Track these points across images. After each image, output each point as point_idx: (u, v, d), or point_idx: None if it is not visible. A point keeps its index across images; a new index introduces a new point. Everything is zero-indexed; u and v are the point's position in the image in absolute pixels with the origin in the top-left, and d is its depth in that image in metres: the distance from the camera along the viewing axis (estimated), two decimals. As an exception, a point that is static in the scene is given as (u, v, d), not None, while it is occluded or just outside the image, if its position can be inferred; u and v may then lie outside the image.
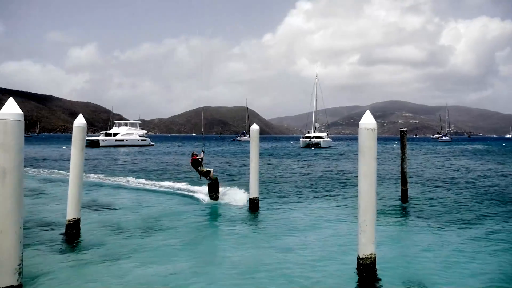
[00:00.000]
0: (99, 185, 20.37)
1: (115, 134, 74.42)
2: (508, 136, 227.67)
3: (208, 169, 16.07)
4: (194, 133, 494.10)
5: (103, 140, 71.20)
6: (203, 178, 16.13)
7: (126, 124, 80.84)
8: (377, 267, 7.33)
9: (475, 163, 39.50)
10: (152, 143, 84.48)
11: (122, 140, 74.72)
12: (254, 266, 8.12)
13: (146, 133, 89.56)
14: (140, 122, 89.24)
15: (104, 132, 77.84)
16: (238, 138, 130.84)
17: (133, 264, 8.17)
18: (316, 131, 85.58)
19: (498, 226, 11.79)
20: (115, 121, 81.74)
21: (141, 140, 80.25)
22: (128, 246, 9.49)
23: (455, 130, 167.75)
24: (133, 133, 78.65)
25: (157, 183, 21.44)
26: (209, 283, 7.22)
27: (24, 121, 6.21)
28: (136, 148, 69.67)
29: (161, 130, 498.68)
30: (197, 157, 16.03)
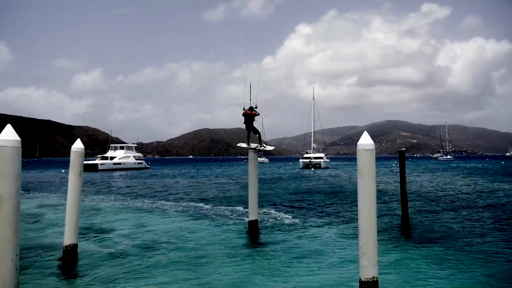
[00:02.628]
0: (97, 209, 20.19)
1: (111, 158, 74.35)
2: (508, 154, 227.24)
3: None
4: (191, 155, 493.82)
5: (101, 164, 71.03)
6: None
7: (122, 148, 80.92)
8: (379, 290, 7.20)
9: (480, 181, 39.43)
10: (148, 166, 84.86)
11: (120, 164, 74.64)
12: (255, 291, 7.97)
13: (142, 157, 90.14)
14: (136, 145, 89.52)
15: (101, 155, 77.73)
16: None
17: (131, 291, 8.02)
18: (314, 152, 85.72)
19: (502, 249, 11.67)
20: (111, 145, 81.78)
21: (138, 163, 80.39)
22: (125, 272, 9.33)
23: (453, 148, 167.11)
24: (129, 156, 78.67)
25: (157, 204, 21.29)
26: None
27: (21, 148, 6.20)
28: (134, 171, 69.60)
29: (159, 153, 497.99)
30: (257, 113, 14.26)
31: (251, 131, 14.50)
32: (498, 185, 34.66)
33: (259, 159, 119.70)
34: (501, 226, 14.97)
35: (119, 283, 8.50)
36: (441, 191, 29.34)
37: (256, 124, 14.48)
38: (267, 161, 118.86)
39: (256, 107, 14.37)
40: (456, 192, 28.81)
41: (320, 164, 76.67)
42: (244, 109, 14.23)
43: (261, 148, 14.82)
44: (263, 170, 72.25)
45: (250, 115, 14.22)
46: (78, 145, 10.39)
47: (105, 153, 79.88)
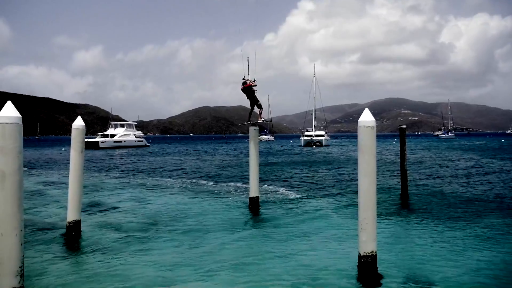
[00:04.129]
0: (99, 186, 20.37)
1: (112, 136, 74.46)
2: (509, 131, 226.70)
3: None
4: (192, 133, 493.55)
5: (102, 142, 71.19)
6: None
7: (122, 126, 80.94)
8: (378, 264, 7.34)
9: (479, 159, 39.54)
10: (148, 144, 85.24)
11: (121, 141, 74.83)
12: (255, 266, 8.13)
13: (143, 134, 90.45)
14: (136, 123, 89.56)
15: (101, 133, 77.81)
16: (259, 137, 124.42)
17: (134, 265, 8.18)
18: (315, 129, 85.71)
19: (500, 223, 11.80)
20: (111, 123, 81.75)
21: (138, 141, 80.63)
22: (128, 246, 9.49)
23: (454, 126, 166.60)
24: (130, 134, 78.80)
25: (159, 181, 21.47)
26: (209, 284, 7.23)
27: (22, 124, 6.20)
28: (135, 149, 69.89)
29: (160, 131, 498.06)
30: (252, 84, 13.95)
31: (254, 106, 14.33)
32: (497, 161, 34.78)
33: (264, 137, 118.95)
34: (499, 203, 15.10)
35: (122, 258, 8.65)
36: (441, 168, 29.47)
37: (262, 100, 14.25)
38: (273, 139, 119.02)
39: (254, 80, 14.06)
40: (455, 169, 28.94)
41: (322, 142, 76.79)
42: (243, 83, 14.04)
43: (260, 121, 14.56)
44: (268, 147, 72.50)
45: (247, 88, 14.01)
46: (79, 122, 10.39)
47: (105, 131, 79.92)
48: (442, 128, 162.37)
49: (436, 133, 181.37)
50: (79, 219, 10.41)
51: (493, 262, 8.26)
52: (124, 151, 63.31)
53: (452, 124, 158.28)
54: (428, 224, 11.64)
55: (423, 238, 10.14)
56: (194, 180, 23.22)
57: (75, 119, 10.63)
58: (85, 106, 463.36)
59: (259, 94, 14.40)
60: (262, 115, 14.49)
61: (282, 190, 19.02)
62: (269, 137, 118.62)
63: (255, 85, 14.10)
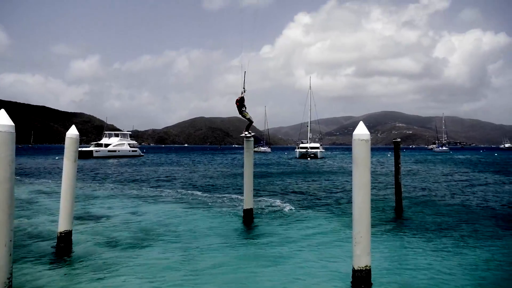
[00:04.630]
0: (92, 196, 20.17)
1: (106, 145, 74.17)
2: (502, 146, 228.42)
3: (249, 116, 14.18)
4: (187, 143, 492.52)
5: (96, 151, 70.81)
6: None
7: (117, 135, 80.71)
8: (372, 279, 7.28)
9: (473, 175, 39.72)
10: (142, 154, 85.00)
11: (115, 151, 74.52)
12: (248, 280, 8.04)
13: (137, 144, 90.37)
14: (130, 133, 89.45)
15: (95, 142, 77.50)
16: (255, 149, 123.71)
17: (125, 278, 8.05)
18: (310, 141, 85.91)
19: (494, 237, 11.80)
20: (105, 132, 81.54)
21: (132, 151, 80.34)
22: (120, 259, 9.36)
23: (448, 140, 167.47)
24: (124, 143, 78.54)
25: (152, 191, 21.30)
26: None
27: (15, 133, 6.15)
28: (128, 159, 69.59)
29: (155, 141, 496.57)
30: (242, 96, 13.94)
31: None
32: (491, 175, 34.96)
33: (261, 148, 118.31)
34: (493, 216, 15.12)
35: (113, 270, 8.53)
36: (435, 181, 29.54)
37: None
38: (269, 150, 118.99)
39: (244, 91, 13.87)
40: (450, 183, 29.02)
41: (317, 154, 76.91)
42: (238, 99, 13.96)
43: (244, 134, 14.43)
44: (264, 159, 72.49)
45: (241, 99, 13.91)
46: (73, 131, 10.32)
47: (99, 140, 79.59)
48: (436, 141, 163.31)
49: (430, 146, 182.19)
50: (70, 229, 10.26)
51: (488, 277, 8.23)
52: (117, 160, 62.97)
53: (446, 138, 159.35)
54: (422, 238, 11.61)
55: (417, 252, 10.10)
56: (188, 191, 23.08)
57: (70, 127, 10.56)
58: (81, 114, 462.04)
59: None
60: (246, 129, 14.37)
61: (276, 202, 18.94)
62: (265, 148, 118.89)
63: (242, 99, 13.89)
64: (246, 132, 14.36)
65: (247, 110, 13.92)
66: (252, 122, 14.24)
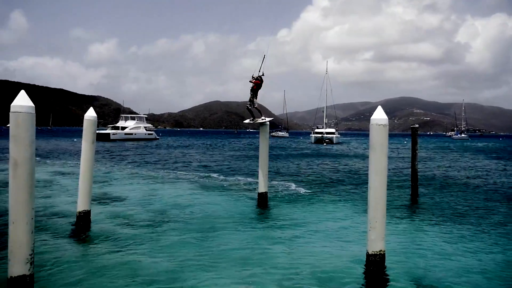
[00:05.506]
0: (110, 177, 20.55)
1: (122, 128, 74.99)
2: None
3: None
4: (202, 127, 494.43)
5: (113, 134, 71.80)
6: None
7: (133, 118, 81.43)
8: (386, 263, 7.28)
9: (490, 162, 38.98)
10: (157, 137, 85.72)
11: (131, 134, 75.38)
12: (262, 262, 8.12)
13: (153, 128, 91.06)
14: (146, 116, 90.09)
15: (112, 125, 78.42)
16: (273, 133, 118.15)
17: (142, 256, 8.23)
18: (325, 127, 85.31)
19: (510, 226, 11.62)
20: (122, 115, 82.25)
21: (148, 134, 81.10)
22: (137, 238, 9.56)
23: (467, 127, 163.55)
24: (140, 127, 79.27)
25: (169, 174, 21.58)
26: (216, 277, 7.24)
27: (35, 114, 6.25)
28: (145, 142, 70.49)
29: (170, 124, 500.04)
30: (259, 82, 13.84)
31: (251, 103, 14.07)
32: (509, 163, 34.23)
33: (279, 133, 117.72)
34: (510, 204, 14.87)
35: (131, 250, 8.72)
36: (453, 169, 29.10)
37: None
38: (287, 135, 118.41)
39: (262, 75, 13.83)
40: (467, 170, 28.55)
41: (332, 140, 76.41)
42: (253, 77, 13.80)
43: (260, 121, 14.35)
44: (281, 144, 72.54)
45: (258, 84, 13.81)
46: (90, 113, 10.45)
47: (116, 123, 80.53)
48: (455, 128, 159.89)
49: (448, 133, 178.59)
50: (89, 209, 10.50)
51: (503, 264, 8.13)
52: (134, 143, 63.80)
53: (465, 125, 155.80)
54: (437, 224, 11.51)
55: (432, 238, 10.03)
56: (204, 174, 23.29)
57: (88, 110, 10.69)
58: (98, 98, 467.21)
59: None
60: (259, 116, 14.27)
61: (292, 185, 18.98)
62: (283, 133, 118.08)
63: (260, 82, 13.81)
64: (262, 117, 14.31)
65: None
66: (259, 111, 14.15)
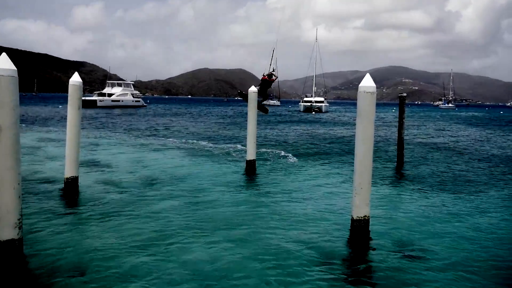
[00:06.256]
0: (97, 144, 20.42)
1: (109, 95, 73.70)
2: (509, 104, 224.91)
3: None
4: (190, 95, 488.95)
5: (100, 100, 70.66)
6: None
7: (120, 85, 79.89)
8: (370, 228, 7.50)
9: (474, 131, 39.65)
10: (145, 104, 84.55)
11: (118, 101, 74.27)
12: (249, 226, 8.29)
13: (140, 94, 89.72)
14: (133, 83, 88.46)
15: (98, 92, 76.95)
16: (264, 102, 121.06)
17: (130, 221, 8.32)
18: (314, 95, 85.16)
19: (492, 192, 11.99)
20: (108, 81, 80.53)
21: (135, 101, 79.97)
22: (126, 203, 9.63)
23: (454, 97, 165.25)
24: (127, 94, 77.98)
25: (157, 141, 21.53)
26: (204, 241, 7.39)
27: (18, 78, 6.10)
28: (132, 109, 69.67)
29: (158, 92, 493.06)
30: (273, 79, 15.31)
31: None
32: (493, 133, 34.92)
33: (270, 101, 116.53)
34: (493, 173, 15.28)
35: (120, 215, 8.80)
36: (438, 138, 29.58)
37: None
38: (279, 104, 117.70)
39: (273, 71, 14.31)
40: (452, 138, 29.06)
41: (321, 108, 76.51)
42: (263, 75, 14.42)
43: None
44: (271, 112, 72.39)
45: (268, 81, 14.88)
46: (75, 78, 10.25)
47: (103, 90, 79.08)
48: (443, 98, 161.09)
49: (436, 103, 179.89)
50: (76, 175, 10.50)
51: (482, 229, 8.45)
52: (121, 111, 63.03)
53: (452, 95, 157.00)
54: (421, 190, 11.81)
55: (415, 204, 10.32)
56: (192, 141, 23.29)
57: (72, 76, 10.48)
58: (84, 64, 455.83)
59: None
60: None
61: (280, 153, 19.15)
62: (275, 101, 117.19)
63: (276, 78, 15.36)
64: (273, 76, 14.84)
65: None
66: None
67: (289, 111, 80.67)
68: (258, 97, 14.36)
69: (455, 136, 31.85)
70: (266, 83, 15.43)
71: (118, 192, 10.81)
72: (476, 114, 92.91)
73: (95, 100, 70.03)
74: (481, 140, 28.82)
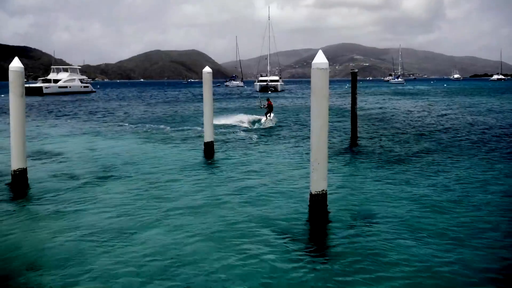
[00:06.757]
0: (46, 133, 19.42)
1: (55, 81, 69.76)
2: (452, 77, 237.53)
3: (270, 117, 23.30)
4: (143, 78, 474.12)
5: (46, 87, 66.82)
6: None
7: (66, 70, 75.77)
8: (328, 202, 7.74)
9: (422, 103, 41.55)
10: (94, 90, 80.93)
11: (66, 87, 70.60)
12: (209, 207, 8.29)
13: (89, 80, 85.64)
14: (80, 67, 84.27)
15: (42, 78, 72.53)
16: (227, 83, 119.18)
17: (86, 213, 8.05)
18: (269, 75, 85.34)
19: (439, 163, 12.72)
20: (53, 67, 76.09)
21: (84, 86, 76.30)
22: (79, 194, 9.29)
23: (403, 72, 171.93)
24: (75, 79, 74.16)
25: (110, 127, 20.80)
26: (164, 227, 7.32)
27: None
28: (80, 95, 66.59)
29: (109, 76, 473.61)
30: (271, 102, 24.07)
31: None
32: (440, 106, 36.87)
33: (233, 82, 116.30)
34: (439, 144, 16.18)
35: (73, 205, 8.49)
36: (390, 112, 30.77)
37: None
38: (242, 85, 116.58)
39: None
40: (404, 114, 30.34)
41: (277, 87, 76.92)
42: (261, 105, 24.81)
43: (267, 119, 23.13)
44: (236, 91, 71.98)
45: (271, 105, 23.82)
46: (16, 64, 9.61)
47: (47, 76, 74.72)
48: (392, 73, 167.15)
49: (386, 78, 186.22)
50: (24, 167, 9.96)
51: (431, 197, 8.97)
52: (69, 97, 60.09)
53: (401, 70, 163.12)
54: (375, 166, 12.30)
55: (369, 178, 10.74)
56: (148, 126, 22.71)
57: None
58: (26, 49, 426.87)
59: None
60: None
61: (239, 133, 19.15)
62: (238, 82, 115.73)
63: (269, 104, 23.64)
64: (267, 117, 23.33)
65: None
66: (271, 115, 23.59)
67: (243, 92, 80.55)
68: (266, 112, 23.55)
69: (404, 111, 33.25)
70: (270, 107, 23.41)
71: (71, 182, 10.40)
72: (422, 87, 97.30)
73: (41, 87, 66.19)
74: (429, 113, 30.30)
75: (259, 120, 23.42)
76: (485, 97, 52.07)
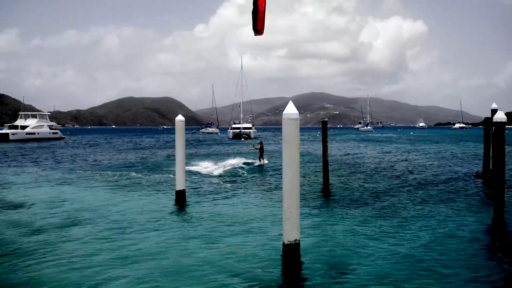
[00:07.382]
0: (10, 182, 18.61)
1: (22, 127, 68.02)
2: (418, 125, 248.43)
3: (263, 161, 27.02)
4: (115, 125, 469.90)
5: (13, 134, 64.91)
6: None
7: (34, 116, 74.28)
8: (301, 252, 7.65)
9: (392, 150, 42.82)
10: (63, 136, 79.30)
11: (33, 134, 68.81)
12: (180, 258, 8.03)
13: (59, 126, 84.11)
14: (49, 113, 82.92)
15: (9, 124, 70.65)
16: (202, 130, 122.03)
17: (49, 268, 7.62)
18: (242, 122, 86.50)
19: (410, 209, 12.94)
20: (21, 113, 74.50)
21: (53, 133, 74.68)
22: (43, 247, 8.82)
23: (371, 120, 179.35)
24: (43, 125, 72.59)
25: (78, 175, 20.19)
26: (133, 278, 6.99)
27: None
28: (49, 142, 64.95)
29: (80, 123, 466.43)
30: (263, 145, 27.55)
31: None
32: (410, 153, 38.08)
33: (209, 129, 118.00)
34: (412, 192, 16.55)
35: (36, 259, 8.02)
36: (361, 159, 31.47)
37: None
38: (217, 131, 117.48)
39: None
40: (374, 159, 31.09)
41: (250, 134, 77.78)
42: (260, 142, 27.69)
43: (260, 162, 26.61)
44: (210, 139, 72.03)
45: (263, 148, 26.96)
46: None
47: (14, 122, 72.84)
48: (362, 121, 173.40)
49: (356, 126, 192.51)
50: (-16, 218, 9.42)
51: (404, 247, 9.03)
52: (36, 144, 58.50)
53: (370, 118, 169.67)
54: (347, 213, 12.37)
55: (342, 225, 10.77)
56: (119, 173, 22.21)
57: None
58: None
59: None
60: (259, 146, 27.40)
61: (212, 180, 18.97)
62: (213, 129, 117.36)
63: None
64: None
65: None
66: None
67: (216, 139, 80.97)
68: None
69: (375, 157, 34.10)
70: (261, 150, 26.77)
71: (34, 234, 9.89)
72: (390, 135, 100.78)
73: (7, 134, 64.24)
74: (399, 159, 31.18)
75: (253, 163, 26.34)
76: (450, 144, 54.33)
